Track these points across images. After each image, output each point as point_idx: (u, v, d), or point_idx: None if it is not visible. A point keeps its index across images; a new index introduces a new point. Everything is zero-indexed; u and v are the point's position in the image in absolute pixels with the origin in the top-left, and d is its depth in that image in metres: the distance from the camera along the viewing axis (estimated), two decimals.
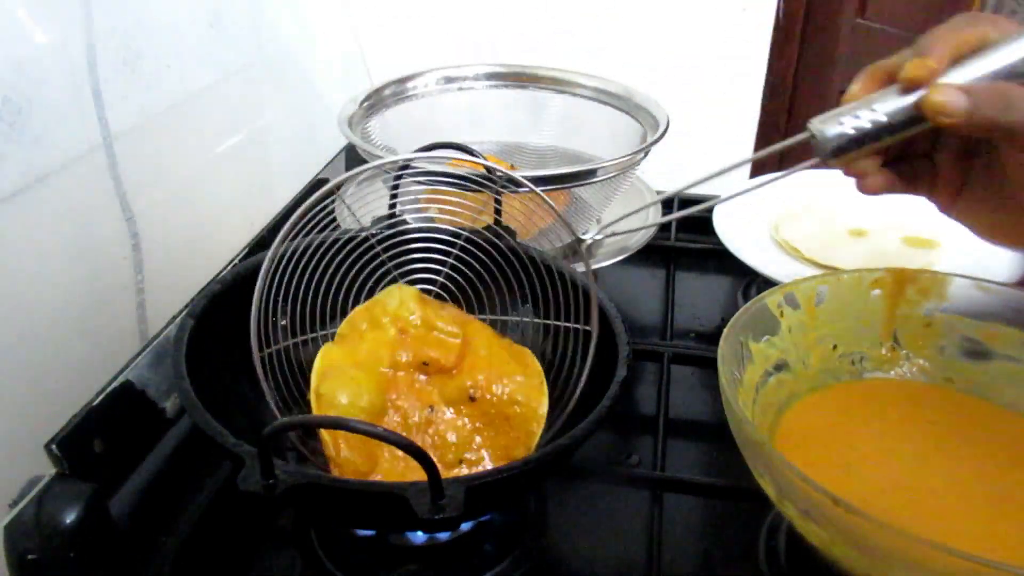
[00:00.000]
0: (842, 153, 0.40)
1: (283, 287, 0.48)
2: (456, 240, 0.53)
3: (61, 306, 0.57)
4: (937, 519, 0.41)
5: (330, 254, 0.50)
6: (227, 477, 0.50)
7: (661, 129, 0.67)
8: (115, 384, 0.47)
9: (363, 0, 1.08)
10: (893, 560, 0.33)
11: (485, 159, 0.51)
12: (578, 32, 1.17)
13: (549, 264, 0.51)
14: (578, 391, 0.47)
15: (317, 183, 0.46)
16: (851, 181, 0.42)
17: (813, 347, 0.50)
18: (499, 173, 0.52)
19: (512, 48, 1.17)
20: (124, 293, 0.64)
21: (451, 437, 0.47)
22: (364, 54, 1.06)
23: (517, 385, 0.47)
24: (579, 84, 0.78)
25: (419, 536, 0.46)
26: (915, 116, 0.39)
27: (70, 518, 0.40)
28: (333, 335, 0.50)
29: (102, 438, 0.45)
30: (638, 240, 0.68)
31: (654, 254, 0.77)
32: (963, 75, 0.38)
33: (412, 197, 0.59)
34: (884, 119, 0.39)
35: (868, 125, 0.39)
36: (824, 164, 0.41)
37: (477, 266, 0.52)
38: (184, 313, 0.47)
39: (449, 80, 0.78)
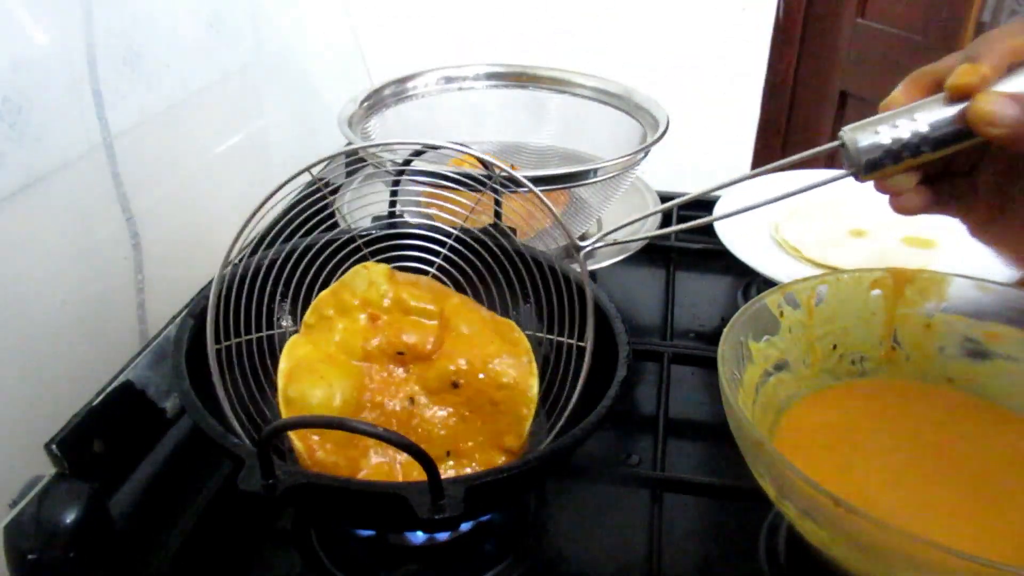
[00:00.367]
0: (876, 168, 0.37)
1: (280, 286, 0.47)
2: (447, 239, 0.52)
3: (61, 306, 0.57)
4: (937, 519, 0.40)
5: (324, 255, 0.49)
6: (227, 477, 0.50)
7: (661, 129, 0.67)
8: (115, 384, 0.47)
9: (363, 0, 1.07)
10: (893, 560, 0.33)
11: (492, 164, 0.51)
12: (578, 32, 1.17)
13: (551, 265, 0.51)
14: (575, 395, 0.46)
15: (314, 182, 0.46)
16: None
17: (813, 347, 0.50)
18: (498, 171, 0.51)
19: (512, 48, 1.16)
20: (124, 293, 0.64)
21: (436, 430, 0.44)
22: (364, 54, 1.06)
23: (504, 366, 0.44)
24: (579, 84, 0.78)
25: (419, 536, 0.46)
26: (961, 129, 0.35)
27: (70, 518, 0.40)
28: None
29: (102, 438, 0.45)
30: (638, 240, 0.68)
31: (654, 254, 0.77)
32: (1017, 85, 0.35)
33: (412, 197, 0.59)
34: (925, 130, 0.35)
35: (907, 136, 0.36)
36: (855, 178, 0.37)
37: (479, 264, 0.51)
38: (184, 313, 0.47)
39: (449, 80, 0.78)
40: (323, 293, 0.47)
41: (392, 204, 0.56)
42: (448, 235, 0.52)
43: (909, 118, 0.36)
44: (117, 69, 0.61)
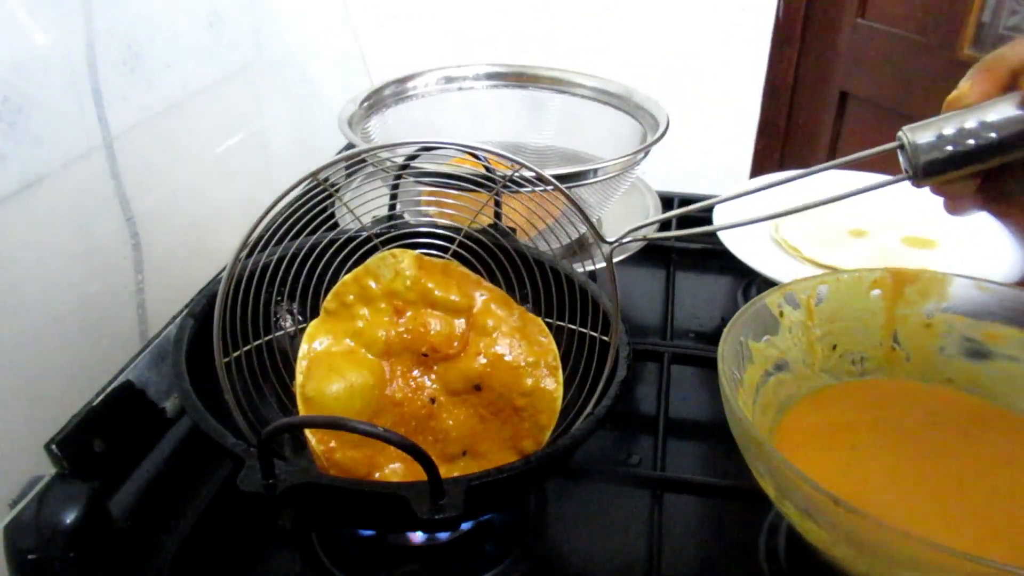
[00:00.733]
0: (936, 173, 0.33)
1: (285, 286, 0.47)
2: (454, 236, 0.51)
3: (61, 306, 0.57)
4: (937, 519, 0.40)
5: (328, 254, 0.49)
6: (227, 477, 0.50)
7: (661, 129, 0.67)
8: (115, 384, 0.47)
9: (363, 0, 1.08)
10: (893, 560, 0.33)
11: (487, 160, 0.51)
12: (578, 32, 1.17)
13: (552, 266, 0.51)
14: (593, 399, 0.44)
15: (314, 181, 0.46)
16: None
17: (813, 347, 0.50)
18: (513, 171, 0.51)
19: (512, 48, 1.17)
20: (124, 293, 0.64)
21: (454, 431, 0.44)
22: (364, 54, 1.06)
23: (528, 371, 0.43)
24: (579, 84, 0.78)
25: (419, 536, 0.46)
26: None
27: (70, 518, 0.40)
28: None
29: (102, 438, 0.45)
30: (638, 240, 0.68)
31: (654, 254, 0.77)
32: None
33: (412, 198, 0.58)
34: (995, 136, 0.32)
35: (974, 143, 0.32)
36: (911, 182, 0.34)
37: (479, 265, 0.51)
38: (184, 313, 0.47)
39: (449, 80, 0.78)
40: (346, 278, 0.45)
41: (392, 204, 0.55)
42: (454, 235, 0.51)
43: (979, 119, 0.32)
44: (117, 69, 0.61)
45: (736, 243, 0.68)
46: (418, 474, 0.35)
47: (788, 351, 0.48)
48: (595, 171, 0.62)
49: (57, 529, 0.40)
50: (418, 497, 0.35)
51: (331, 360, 0.43)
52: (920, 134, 0.33)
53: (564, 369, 0.46)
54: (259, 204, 0.43)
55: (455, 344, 0.44)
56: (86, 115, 0.58)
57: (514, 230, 0.53)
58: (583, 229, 0.47)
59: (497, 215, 0.53)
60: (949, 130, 0.33)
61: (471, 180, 0.52)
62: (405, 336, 0.44)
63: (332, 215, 0.49)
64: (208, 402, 0.40)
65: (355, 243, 0.49)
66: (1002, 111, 0.32)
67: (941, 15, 1.28)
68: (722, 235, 0.68)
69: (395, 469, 0.42)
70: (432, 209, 0.57)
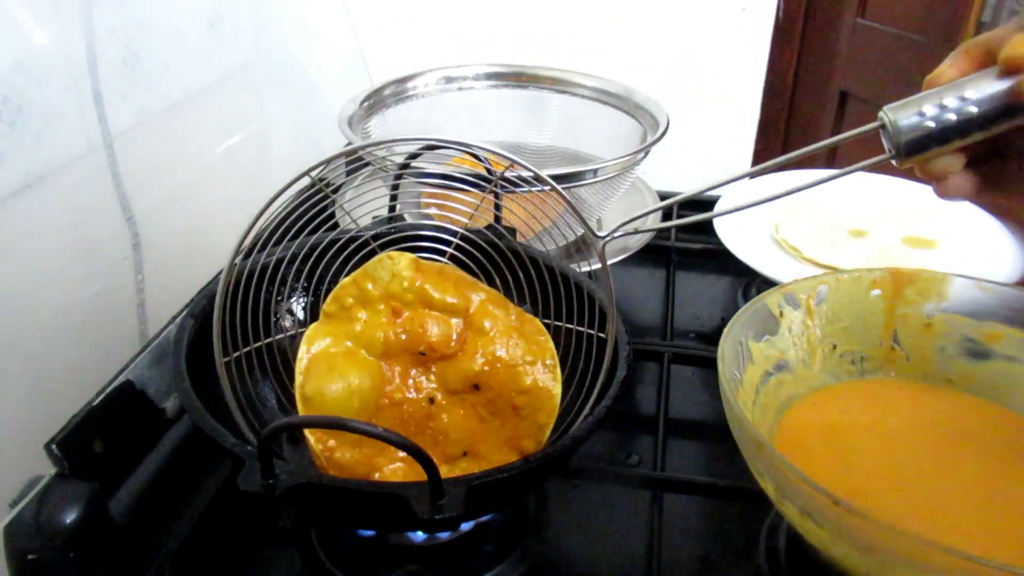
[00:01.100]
0: (918, 151, 0.34)
1: (285, 285, 0.47)
2: (452, 239, 0.51)
3: (61, 306, 0.57)
4: (937, 519, 0.40)
5: (328, 255, 0.49)
6: (227, 477, 0.50)
7: (661, 129, 0.67)
8: (115, 384, 0.47)
9: (363, 0, 1.07)
10: (893, 560, 0.33)
11: (487, 159, 0.51)
12: (578, 32, 1.17)
13: (552, 266, 0.51)
14: (594, 395, 0.45)
15: (314, 183, 0.46)
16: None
17: (813, 347, 0.50)
18: (502, 169, 0.51)
19: (512, 48, 1.17)
20: (124, 293, 0.64)
21: (454, 431, 0.44)
22: (364, 54, 1.06)
23: (526, 371, 0.43)
24: (579, 84, 0.78)
25: (419, 536, 0.46)
26: (1016, 106, 0.32)
27: (70, 518, 0.40)
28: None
29: (102, 438, 0.45)
30: (638, 240, 0.68)
31: (654, 254, 0.77)
32: None
33: (412, 199, 0.58)
34: (975, 111, 0.32)
35: (954, 115, 0.33)
36: (895, 162, 0.35)
37: (479, 265, 0.51)
38: (184, 313, 0.47)
39: (449, 80, 0.78)
40: (344, 281, 0.45)
41: (392, 204, 0.55)
42: (453, 235, 0.51)
43: (957, 95, 0.33)
44: (117, 69, 0.61)
45: (736, 243, 0.68)
46: (418, 474, 0.35)
47: (788, 351, 0.48)
48: (595, 171, 0.62)
49: (57, 529, 0.40)
50: (418, 497, 0.35)
51: (330, 361, 0.43)
52: (901, 113, 0.34)
53: (563, 368, 0.46)
54: (259, 204, 0.43)
55: (453, 343, 0.45)
56: (86, 115, 0.58)
57: (514, 230, 0.53)
58: (582, 230, 0.47)
59: (497, 216, 0.53)
60: (929, 107, 0.33)
61: (467, 180, 0.52)
62: (403, 337, 0.45)
63: (332, 215, 0.49)
64: (208, 402, 0.40)
65: (354, 245, 0.49)
66: (980, 85, 0.33)
67: (941, 15, 1.28)
68: (722, 235, 0.68)
69: (395, 469, 0.42)
70: (432, 211, 0.57)
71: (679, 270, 0.76)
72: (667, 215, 0.81)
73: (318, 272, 0.50)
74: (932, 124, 0.33)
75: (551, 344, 0.45)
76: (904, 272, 0.50)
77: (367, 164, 0.65)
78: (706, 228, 0.71)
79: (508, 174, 0.50)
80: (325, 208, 0.47)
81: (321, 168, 0.44)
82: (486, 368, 0.44)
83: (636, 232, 0.47)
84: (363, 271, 0.45)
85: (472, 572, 0.45)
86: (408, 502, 0.35)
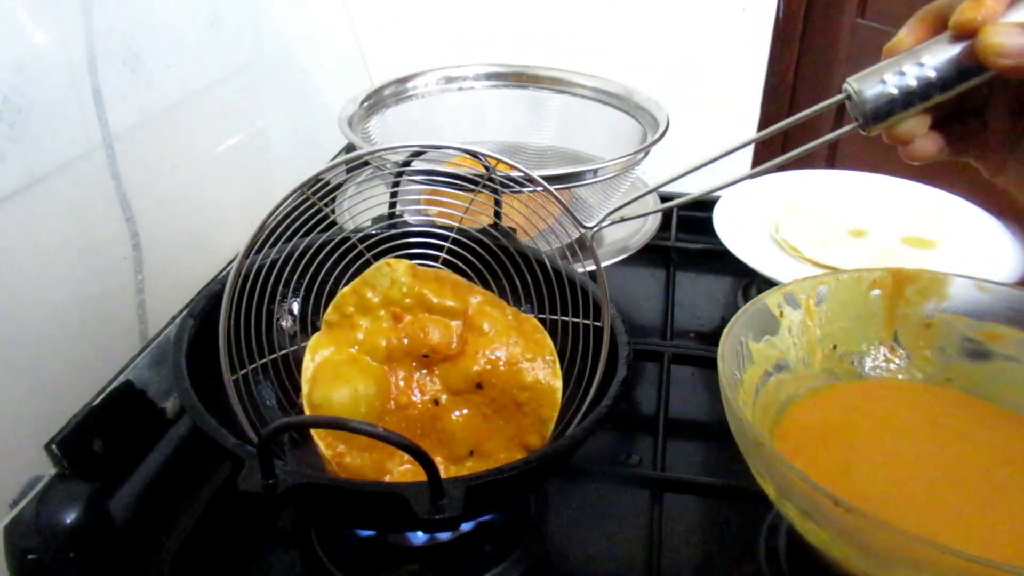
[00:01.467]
0: (884, 117, 0.36)
1: (284, 289, 0.47)
2: (444, 240, 0.51)
3: (61, 306, 0.57)
4: (937, 519, 0.40)
5: (320, 257, 0.49)
6: (227, 477, 0.50)
7: (661, 129, 0.67)
8: (115, 384, 0.47)
9: (363, 0, 1.08)
10: (893, 560, 0.33)
11: (488, 160, 0.50)
12: (578, 32, 1.17)
13: (552, 266, 0.51)
14: (593, 387, 0.45)
15: (315, 180, 0.46)
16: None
17: (813, 347, 0.50)
18: (493, 165, 0.51)
19: (512, 48, 1.17)
20: (124, 293, 0.64)
21: (460, 432, 0.44)
22: (364, 54, 1.06)
23: (527, 367, 0.44)
24: (579, 84, 0.78)
25: (419, 536, 0.46)
26: (970, 66, 0.34)
27: (70, 518, 0.40)
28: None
29: (102, 438, 0.45)
30: (638, 240, 0.68)
31: (654, 254, 0.77)
32: (1023, 15, 0.34)
33: (412, 199, 0.58)
34: (933, 72, 0.34)
35: (914, 80, 0.35)
36: (862, 130, 0.36)
37: (479, 265, 0.51)
38: (184, 313, 0.47)
39: (449, 80, 0.78)
40: (344, 290, 0.46)
41: (392, 204, 0.55)
42: (446, 235, 0.51)
43: (915, 62, 0.35)
44: (117, 69, 0.61)
45: (736, 243, 0.68)
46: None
47: (788, 351, 0.48)
48: (595, 171, 0.62)
49: (57, 529, 0.40)
50: (418, 497, 0.35)
51: (336, 368, 0.44)
52: (864, 83, 0.36)
53: (563, 362, 0.46)
54: (259, 204, 0.43)
55: (454, 344, 0.45)
56: (86, 115, 0.58)
57: (514, 230, 0.53)
58: (583, 230, 0.47)
59: (497, 215, 0.53)
60: (890, 75, 0.35)
61: (463, 178, 0.52)
62: (405, 341, 0.45)
63: (326, 216, 0.49)
64: (208, 402, 0.40)
65: (343, 247, 0.49)
66: (935, 50, 0.35)
67: None
68: (722, 235, 0.68)
69: (404, 472, 0.43)
70: (430, 208, 0.57)
71: (679, 270, 0.76)
72: (666, 216, 0.80)
73: (321, 275, 0.50)
74: (894, 91, 0.35)
75: (549, 340, 0.46)
76: (904, 272, 0.50)
77: (366, 165, 0.65)
78: (706, 228, 0.71)
79: (503, 174, 0.50)
80: (320, 210, 0.47)
81: (316, 183, 0.44)
82: (488, 367, 0.45)
83: (622, 220, 0.47)
84: (362, 279, 0.46)
85: (472, 572, 0.45)
86: (408, 502, 0.35)
